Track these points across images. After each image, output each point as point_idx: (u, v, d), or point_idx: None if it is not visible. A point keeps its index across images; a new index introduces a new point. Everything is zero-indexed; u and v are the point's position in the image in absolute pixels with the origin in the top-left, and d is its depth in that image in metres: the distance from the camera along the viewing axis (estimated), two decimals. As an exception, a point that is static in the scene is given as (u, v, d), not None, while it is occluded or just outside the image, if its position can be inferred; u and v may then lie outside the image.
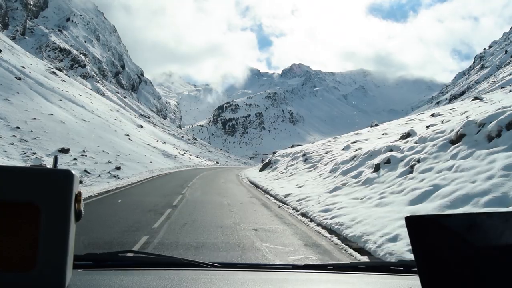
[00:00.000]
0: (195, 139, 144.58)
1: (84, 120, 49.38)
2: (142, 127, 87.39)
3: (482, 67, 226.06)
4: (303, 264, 1.99)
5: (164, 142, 75.10)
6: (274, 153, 37.88)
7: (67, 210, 0.88)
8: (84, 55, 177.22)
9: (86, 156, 25.33)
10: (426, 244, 0.91)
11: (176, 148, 74.25)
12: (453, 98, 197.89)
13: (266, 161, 34.84)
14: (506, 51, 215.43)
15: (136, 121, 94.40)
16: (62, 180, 0.89)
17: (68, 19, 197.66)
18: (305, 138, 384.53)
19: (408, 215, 0.97)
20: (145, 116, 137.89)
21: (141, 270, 1.74)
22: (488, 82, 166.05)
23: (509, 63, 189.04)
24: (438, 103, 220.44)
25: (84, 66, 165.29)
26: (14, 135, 24.78)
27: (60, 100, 56.72)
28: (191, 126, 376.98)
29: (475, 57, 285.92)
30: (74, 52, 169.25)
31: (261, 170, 31.69)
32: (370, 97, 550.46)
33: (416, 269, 1.51)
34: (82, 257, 1.75)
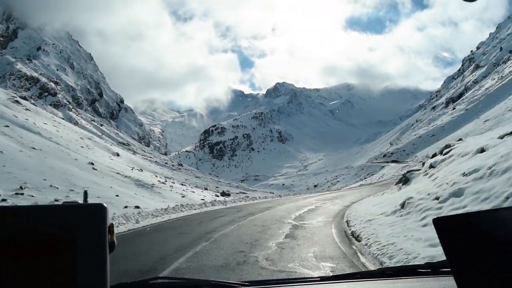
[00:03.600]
0: (181, 165, 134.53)
1: (34, 149, 41.44)
2: (118, 155, 78.17)
3: (477, 67, 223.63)
4: (331, 275, 1.98)
5: (142, 170, 64.57)
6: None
7: (103, 243, 0.90)
8: (56, 83, 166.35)
9: (22, 194, 20.53)
10: (456, 244, 0.90)
11: (156, 176, 63.88)
12: (451, 101, 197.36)
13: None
14: (501, 48, 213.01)
15: (112, 149, 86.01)
16: (96, 213, 0.91)
17: (39, 48, 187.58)
18: (296, 156, 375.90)
19: (437, 217, 0.99)
20: (124, 143, 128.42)
21: None
22: (494, 79, 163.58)
23: (508, 58, 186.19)
24: (434, 108, 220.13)
25: (55, 95, 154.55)
26: None
27: (7, 126, 47.03)
28: (177, 152, 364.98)
29: (463, 60, 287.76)
30: (43, 80, 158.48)
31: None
32: (357, 110, 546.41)
33: (444, 269, 1.69)
34: (114, 287, 1.73)
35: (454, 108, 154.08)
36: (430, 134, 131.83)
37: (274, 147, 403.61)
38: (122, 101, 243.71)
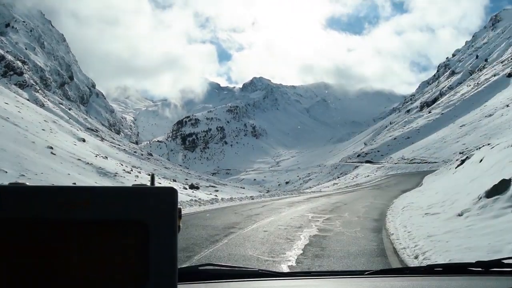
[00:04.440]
0: (151, 154, 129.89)
1: (-16, 128, 36.53)
2: (84, 140, 73.61)
3: (453, 73, 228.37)
4: (379, 269, 1.97)
5: (106, 157, 60.63)
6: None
7: (173, 226, 0.92)
8: (23, 62, 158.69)
9: (-39, 177, 18.45)
10: None
11: (122, 164, 60.14)
12: (425, 105, 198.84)
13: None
14: (477, 56, 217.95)
15: (78, 134, 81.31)
16: (168, 197, 0.92)
17: (7, 25, 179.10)
18: (269, 152, 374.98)
19: None
20: (92, 129, 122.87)
21: (220, 282, 1.80)
22: (469, 86, 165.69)
23: (484, 66, 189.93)
24: (408, 111, 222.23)
25: (21, 74, 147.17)
26: None
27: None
28: (148, 142, 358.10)
29: (439, 66, 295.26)
30: (10, 58, 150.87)
31: None
32: (332, 109, 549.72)
33: (495, 269, 1.71)
34: None
35: (429, 112, 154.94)
36: (405, 136, 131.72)
37: (248, 142, 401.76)
38: (93, 86, 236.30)
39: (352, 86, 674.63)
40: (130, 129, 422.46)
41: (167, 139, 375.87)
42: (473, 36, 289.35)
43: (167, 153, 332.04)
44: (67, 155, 44.64)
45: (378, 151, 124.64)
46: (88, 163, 44.40)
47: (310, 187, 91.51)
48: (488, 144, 20.42)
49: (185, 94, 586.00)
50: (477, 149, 27.67)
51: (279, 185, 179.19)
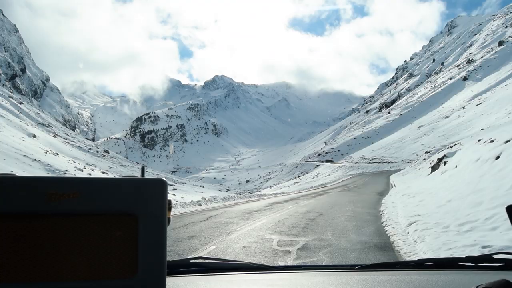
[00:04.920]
0: (107, 151, 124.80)
1: None
2: (34, 136, 69.16)
3: (411, 76, 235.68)
4: (370, 263, 1.99)
5: (57, 154, 57.02)
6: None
7: (163, 218, 0.92)
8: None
9: None
10: None
11: (74, 162, 56.66)
12: (384, 106, 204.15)
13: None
14: (434, 60, 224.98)
15: (28, 129, 76.50)
16: (157, 188, 0.92)
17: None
18: (230, 150, 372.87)
19: (510, 204, 0.95)
20: (45, 125, 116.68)
21: (211, 275, 1.84)
22: (427, 88, 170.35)
23: (440, 70, 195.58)
24: (367, 112, 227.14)
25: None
26: None
27: None
28: (106, 139, 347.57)
29: (397, 68, 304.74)
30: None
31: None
32: (292, 109, 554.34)
33: (485, 264, 1.75)
34: None
35: (389, 113, 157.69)
36: (365, 136, 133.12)
37: (208, 140, 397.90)
38: (48, 80, 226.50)
39: (313, 86, 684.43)
40: (87, 125, 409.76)
41: (125, 136, 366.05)
42: (430, 41, 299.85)
43: (125, 151, 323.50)
44: (12, 151, 41.64)
45: (339, 150, 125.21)
46: (35, 159, 41.64)
47: (270, 186, 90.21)
48: (479, 140, 18.32)
49: (145, 91, 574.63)
50: (450, 147, 26.73)
51: (239, 184, 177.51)
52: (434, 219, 9.87)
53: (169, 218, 0.98)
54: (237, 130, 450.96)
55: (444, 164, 19.98)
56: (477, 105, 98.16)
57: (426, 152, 44.59)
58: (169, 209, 0.98)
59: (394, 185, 25.90)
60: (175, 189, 48.87)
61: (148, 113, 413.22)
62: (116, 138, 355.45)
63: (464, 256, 1.75)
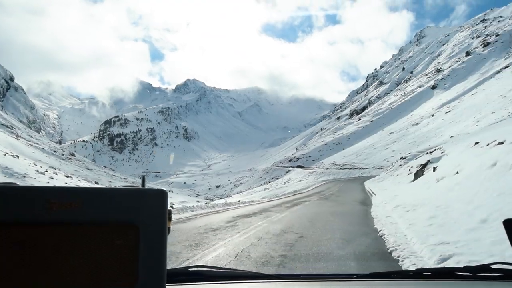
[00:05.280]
0: (73, 154, 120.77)
1: None
2: (-6, 137, 65.93)
3: (381, 84, 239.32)
4: (368, 272, 1.97)
5: (18, 157, 54.06)
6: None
7: (163, 228, 0.93)
8: None
9: None
10: None
11: (36, 164, 53.85)
12: (355, 113, 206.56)
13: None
14: (403, 69, 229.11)
15: None
16: (158, 199, 0.93)
17: None
18: (200, 155, 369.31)
19: (507, 218, 0.94)
20: (7, 126, 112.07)
21: (210, 284, 1.83)
22: (397, 95, 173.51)
23: (409, 78, 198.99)
24: (338, 118, 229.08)
25: None
26: None
27: None
28: (73, 141, 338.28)
29: (368, 76, 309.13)
30: None
31: None
32: (264, 114, 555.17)
33: (483, 274, 1.75)
34: None
35: (359, 119, 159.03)
36: (336, 142, 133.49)
37: (179, 144, 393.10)
38: (12, 79, 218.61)
39: (284, 92, 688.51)
40: (53, 127, 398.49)
41: (93, 139, 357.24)
42: (399, 50, 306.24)
43: (93, 154, 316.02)
44: (-37, 152, 38.89)
45: (310, 156, 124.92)
46: (-10, 162, 39.00)
47: (241, 192, 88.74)
48: (477, 144, 16.59)
49: (115, 93, 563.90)
50: (429, 152, 25.82)
51: (209, 189, 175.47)
52: (479, 251, 6.29)
53: (169, 228, 1.00)
54: (208, 134, 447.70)
55: (434, 170, 18.45)
56: (446, 113, 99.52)
57: (401, 158, 43.47)
58: (169, 219, 0.99)
59: (373, 193, 24.02)
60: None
61: (118, 116, 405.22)
62: (83, 141, 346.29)
63: (462, 266, 1.74)
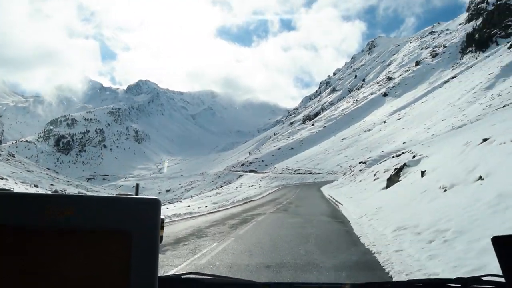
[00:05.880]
0: (12, 155, 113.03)
1: None
2: None
3: (334, 90, 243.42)
4: (360, 283, 1.89)
5: None
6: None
7: (156, 236, 0.93)
8: None
9: None
10: None
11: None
12: (308, 118, 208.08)
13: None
14: (355, 76, 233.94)
15: None
16: (151, 207, 0.94)
17: None
18: (152, 158, 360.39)
19: (495, 235, 0.96)
20: None
21: None
22: (349, 102, 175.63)
23: (361, 86, 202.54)
24: (291, 123, 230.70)
25: None
26: None
27: None
28: (15, 141, 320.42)
29: (321, 83, 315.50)
30: None
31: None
32: (218, 118, 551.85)
33: (474, 285, 1.74)
34: None
35: (313, 125, 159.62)
36: (289, 147, 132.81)
37: (129, 146, 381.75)
38: None
39: (238, 96, 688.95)
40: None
41: (37, 140, 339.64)
42: (352, 58, 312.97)
43: (37, 155, 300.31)
44: None
45: (263, 160, 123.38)
46: None
47: (191, 196, 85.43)
48: (486, 139, 13.42)
49: (62, 92, 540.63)
50: (397, 156, 23.93)
51: (159, 193, 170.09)
52: None
53: (161, 236, 1.01)
54: (160, 137, 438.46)
55: (422, 175, 15.55)
56: (397, 119, 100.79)
57: (361, 163, 41.56)
58: (162, 228, 1.01)
59: (339, 202, 20.60)
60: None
61: (65, 116, 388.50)
62: (26, 141, 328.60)
63: (453, 278, 1.69)
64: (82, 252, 0.88)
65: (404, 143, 58.18)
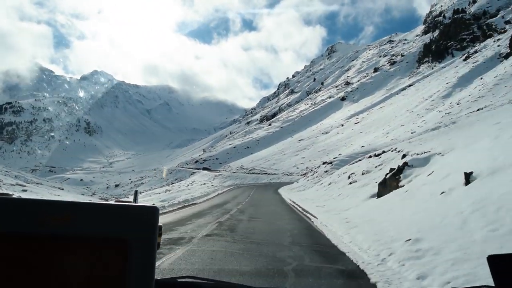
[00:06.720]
0: None
1: None
2: None
3: (292, 92, 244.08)
4: None
5: None
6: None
7: (153, 244, 0.93)
8: None
9: None
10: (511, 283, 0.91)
11: None
12: (265, 119, 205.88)
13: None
14: (314, 79, 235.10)
15: None
16: (149, 215, 0.93)
17: None
18: (103, 151, 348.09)
19: (491, 254, 0.97)
20: None
21: None
22: (307, 104, 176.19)
23: (320, 89, 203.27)
24: (248, 123, 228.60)
25: None
26: None
27: None
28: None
29: (279, 84, 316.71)
30: None
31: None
32: (174, 114, 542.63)
33: None
34: None
35: (270, 125, 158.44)
36: (245, 146, 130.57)
37: (79, 138, 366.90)
38: None
39: (196, 93, 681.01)
40: None
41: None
42: (311, 62, 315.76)
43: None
44: None
45: (217, 158, 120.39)
46: None
47: (140, 192, 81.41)
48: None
49: (9, 77, 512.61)
50: (376, 155, 21.23)
51: (107, 187, 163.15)
52: None
53: (159, 243, 1.00)
54: (113, 130, 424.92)
55: (467, 183, 9.69)
56: (355, 123, 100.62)
57: (326, 163, 36.76)
58: (160, 235, 0.99)
59: (310, 214, 15.77)
60: (25, 191, 38.12)
61: (11, 103, 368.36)
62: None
63: None
64: (78, 259, 0.88)
65: (362, 146, 57.03)
